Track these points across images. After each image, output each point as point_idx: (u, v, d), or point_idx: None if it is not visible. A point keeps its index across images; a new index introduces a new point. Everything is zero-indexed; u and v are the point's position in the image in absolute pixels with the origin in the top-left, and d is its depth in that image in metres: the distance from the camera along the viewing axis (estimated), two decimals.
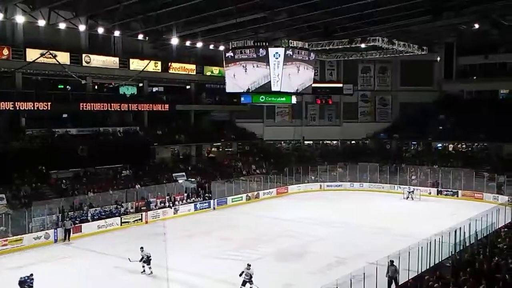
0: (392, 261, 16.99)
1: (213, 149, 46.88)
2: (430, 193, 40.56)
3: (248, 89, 29.65)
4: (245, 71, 28.65)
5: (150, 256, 20.80)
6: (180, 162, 41.93)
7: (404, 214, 33.74)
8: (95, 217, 29.81)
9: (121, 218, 30.89)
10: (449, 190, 40.00)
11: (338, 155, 49.50)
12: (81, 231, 28.23)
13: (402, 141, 50.22)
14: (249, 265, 18.26)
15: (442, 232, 19.26)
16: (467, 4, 25.54)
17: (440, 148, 48.25)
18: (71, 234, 27.45)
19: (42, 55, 30.57)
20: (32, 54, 32.17)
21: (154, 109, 40.81)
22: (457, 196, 39.32)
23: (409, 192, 39.31)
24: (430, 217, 32.42)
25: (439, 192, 40.47)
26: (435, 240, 17.82)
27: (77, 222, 28.48)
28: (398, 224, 29.60)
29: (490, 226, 21.68)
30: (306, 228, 29.40)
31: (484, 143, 45.03)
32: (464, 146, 47.05)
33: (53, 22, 25.99)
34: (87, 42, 36.52)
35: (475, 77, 50.69)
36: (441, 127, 48.56)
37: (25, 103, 32.14)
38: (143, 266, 20.84)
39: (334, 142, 53.91)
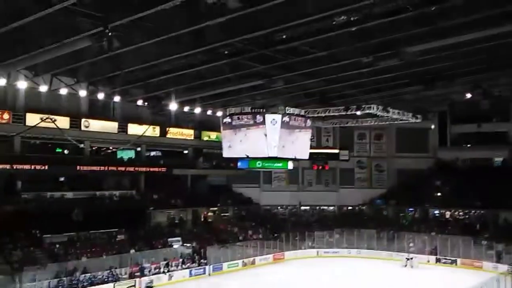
0: None
1: (209, 213, 46.54)
2: (428, 261, 39.94)
3: (245, 154, 29.88)
4: (242, 136, 28.97)
5: None
6: (175, 227, 41.48)
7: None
8: (85, 284, 29.16)
9: (114, 284, 30.19)
10: (448, 258, 39.41)
11: (335, 221, 49.13)
12: None
13: (399, 207, 49.98)
14: None
15: None
16: (459, 74, 26.23)
17: (437, 215, 47.97)
18: None
19: (42, 120, 31.01)
20: (32, 119, 32.58)
21: (151, 171, 40.84)
22: (456, 264, 38.70)
23: (407, 260, 38.70)
24: None
25: (437, 260, 39.86)
26: None
27: None
28: None
29: None
30: None
31: (480, 210, 44.85)
32: (461, 213, 46.78)
33: (55, 87, 26.46)
34: (87, 106, 37.08)
35: (469, 145, 51.25)
36: (437, 194, 48.52)
37: (23, 165, 32.11)
38: None
39: (331, 207, 53.62)
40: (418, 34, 18.54)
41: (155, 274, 32.96)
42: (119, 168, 38.50)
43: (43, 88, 26.05)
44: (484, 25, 17.32)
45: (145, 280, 31.66)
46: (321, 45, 19.91)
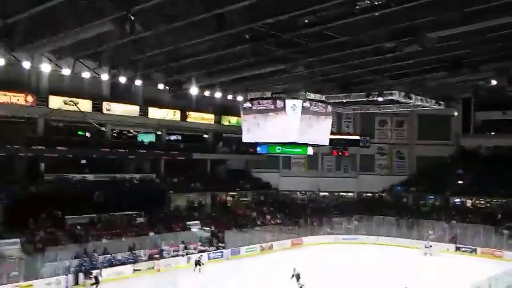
0: None
1: (228, 198, 46.78)
2: (448, 249, 39.65)
3: (265, 139, 29.83)
4: (262, 121, 28.87)
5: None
6: (194, 210, 41.82)
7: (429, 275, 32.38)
8: (105, 264, 29.67)
9: (133, 266, 30.64)
10: (468, 246, 39.07)
11: (353, 207, 49.03)
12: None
13: (419, 195, 49.59)
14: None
15: None
16: (484, 61, 25.71)
17: (458, 203, 47.46)
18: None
19: (65, 103, 31.37)
20: (55, 101, 33.05)
21: (170, 157, 41.08)
22: (476, 253, 38.36)
23: (426, 247, 38.47)
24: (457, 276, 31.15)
25: (457, 249, 39.55)
26: None
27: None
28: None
29: None
30: (323, 284, 28.75)
31: (503, 199, 44.24)
32: (482, 202, 46.22)
33: (77, 71, 26.69)
34: (108, 90, 37.35)
35: (493, 133, 50.43)
36: (459, 182, 47.98)
37: (47, 148, 32.47)
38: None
39: (350, 194, 53.46)
40: (443, 19, 18.17)
41: (174, 256, 33.32)
42: (139, 153, 38.69)
43: (66, 71, 26.30)
44: (510, 10, 16.88)
45: (195, 256, 33.35)
46: (343, 30, 19.63)
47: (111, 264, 29.94)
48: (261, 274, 31.33)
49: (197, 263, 32.06)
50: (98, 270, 28.19)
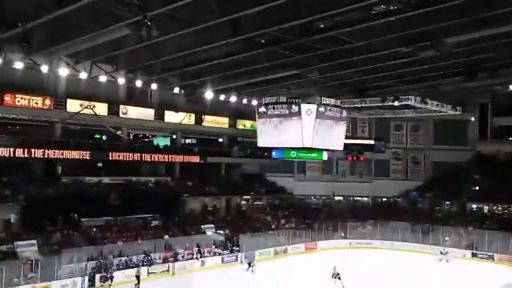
0: None
1: (242, 202, 46.85)
2: (464, 255, 39.21)
3: (279, 144, 29.86)
4: (277, 126, 28.88)
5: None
6: (209, 214, 41.95)
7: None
8: (120, 267, 29.92)
9: (148, 268, 30.82)
10: (485, 253, 38.60)
11: (368, 212, 48.77)
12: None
13: (435, 200, 49.13)
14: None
15: None
16: (502, 66, 25.49)
17: (475, 209, 46.91)
18: None
19: (83, 107, 31.80)
20: (72, 105, 33.43)
21: (185, 161, 41.25)
22: (493, 260, 37.88)
23: (442, 254, 38.04)
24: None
25: (473, 255, 39.10)
26: None
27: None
28: None
29: None
30: None
31: None
32: (500, 208, 45.61)
33: (94, 75, 27.02)
34: (125, 93, 37.65)
35: (511, 138, 49.81)
36: (475, 188, 47.42)
37: (64, 151, 32.83)
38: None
39: (365, 198, 53.20)
40: (459, 24, 18.08)
41: (188, 259, 33.45)
42: (154, 156, 38.87)
43: (83, 75, 26.65)
44: None
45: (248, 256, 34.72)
46: (359, 34, 19.63)
47: (127, 267, 30.14)
48: (276, 277, 31.33)
49: (250, 264, 32.89)
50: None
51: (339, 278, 28.48)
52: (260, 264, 35.61)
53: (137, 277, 28.58)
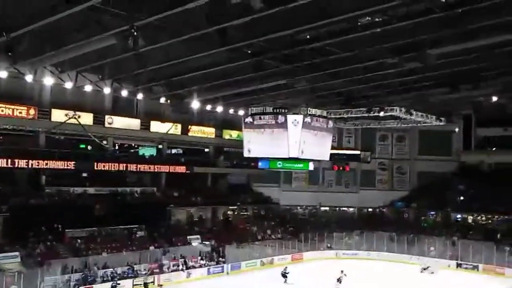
0: None
1: (229, 212, 46.68)
2: (449, 265, 39.36)
3: (266, 154, 29.89)
4: (264, 136, 28.96)
5: None
6: (195, 225, 41.70)
7: None
8: (105, 279, 29.57)
9: (133, 280, 30.49)
10: (470, 263, 38.80)
11: (354, 223, 48.87)
12: None
13: (420, 210, 49.42)
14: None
15: None
16: (484, 77, 25.85)
17: (459, 219, 47.26)
18: None
19: (69, 117, 31.58)
20: (57, 114, 33.11)
21: (171, 171, 41.05)
22: (478, 270, 38.07)
23: (423, 269, 37.84)
24: None
25: (458, 265, 39.29)
26: None
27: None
28: None
29: None
30: None
31: (504, 215, 44.02)
32: (484, 218, 46.00)
33: (80, 84, 26.87)
34: (110, 103, 37.43)
35: (494, 149, 50.40)
36: (460, 198, 47.81)
37: (49, 161, 32.49)
38: None
39: (351, 209, 53.31)
40: (444, 36, 18.32)
41: (174, 271, 33.16)
42: (140, 167, 38.65)
43: (69, 85, 26.49)
44: (510, 27, 17.03)
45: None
46: (345, 45, 19.79)
47: (112, 279, 29.78)
48: None
49: (284, 275, 32.83)
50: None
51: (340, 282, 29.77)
52: (247, 274, 35.51)
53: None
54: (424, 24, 16.88)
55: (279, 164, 30.85)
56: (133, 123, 38.88)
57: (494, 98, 29.98)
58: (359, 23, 17.06)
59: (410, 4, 15.53)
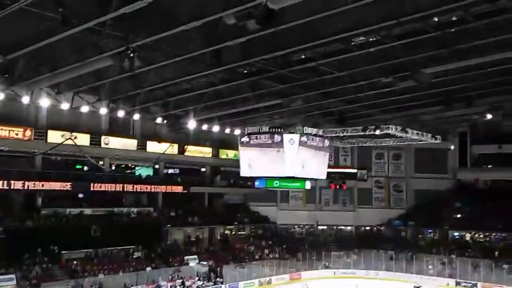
0: None
1: (226, 231, 46.48)
2: (448, 284, 39.17)
3: (262, 173, 29.88)
4: (260, 156, 28.98)
5: None
6: (192, 245, 41.47)
7: None
8: None
9: None
10: (468, 281, 38.59)
11: (352, 241, 48.68)
12: None
13: (418, 228, 49.31)
14: None
15: None
16: (478, 96, 26.05)
17: (457, 237, 47.16)
18: None
19: (65, 139, 31.56)
20: (53, 136, 33.11)
21: (168, 191, 40.96)
22: None
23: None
24: None
25: (457, 284, 39.07)
26: None
27: None
28: None
29: None
30: None
31: (502, 233, 43.98)
32: (481, 235, 45.91)
33: (76, 105, 26.89)
34: (107, 124, 37.48)
35: (490, 166, 50.55)
36: (457, 216, 47.77)
37: (45, 182, 32.41)
38: None
39: (348, 227, 53.15)
40: (438, 55, 18.52)
41: None
42: (137, 187, 38.57)
43: (65, 106, 26.46)
44: (503, 46, 17.25)
45: None
46: (339, 65, 19.97)
47: None
48: None
49: None
50: None
51: None
52: None
53: None
54: (417, 44, 17.09)
55: (276, 183, 30.85)
56: (130, 143, 38.90)
57: (488, 116, 30.13)
58: (352, 43, 17.25)
59: (404, 24, 15.73)
